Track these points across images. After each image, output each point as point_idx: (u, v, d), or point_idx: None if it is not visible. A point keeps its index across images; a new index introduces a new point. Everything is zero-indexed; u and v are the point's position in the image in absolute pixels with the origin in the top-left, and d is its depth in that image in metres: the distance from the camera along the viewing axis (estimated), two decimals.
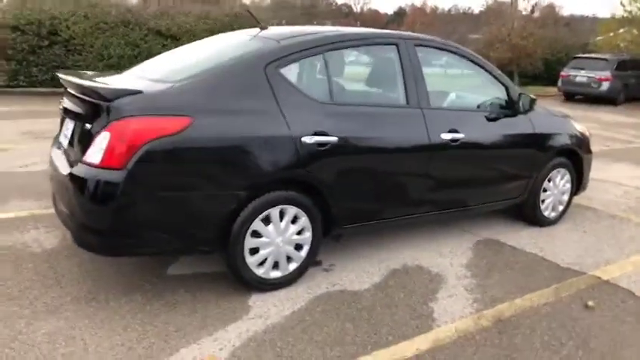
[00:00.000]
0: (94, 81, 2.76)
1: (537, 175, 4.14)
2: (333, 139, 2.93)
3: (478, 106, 3.86)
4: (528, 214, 4.33)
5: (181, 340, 2.46)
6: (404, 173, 3.35)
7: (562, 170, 4.32)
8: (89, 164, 2.47)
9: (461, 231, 4.16)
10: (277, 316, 2.74)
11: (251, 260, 2.84)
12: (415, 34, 3.66)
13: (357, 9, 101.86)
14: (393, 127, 3.25)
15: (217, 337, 2.51)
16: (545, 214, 4.35)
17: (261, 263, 2.90)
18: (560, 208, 4.46)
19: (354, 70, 3.63)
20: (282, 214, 2.90)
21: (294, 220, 2.96)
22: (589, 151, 4.60)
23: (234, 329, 2.59)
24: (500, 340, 2.63)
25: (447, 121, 3.49)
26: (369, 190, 3.23)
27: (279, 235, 2.90)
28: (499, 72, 3.97)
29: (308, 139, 2.84)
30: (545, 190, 4.27)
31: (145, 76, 2.91)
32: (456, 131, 3.49)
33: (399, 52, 3.37)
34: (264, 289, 2.95)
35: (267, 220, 2.85)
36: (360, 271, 3.33)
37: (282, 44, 2.98)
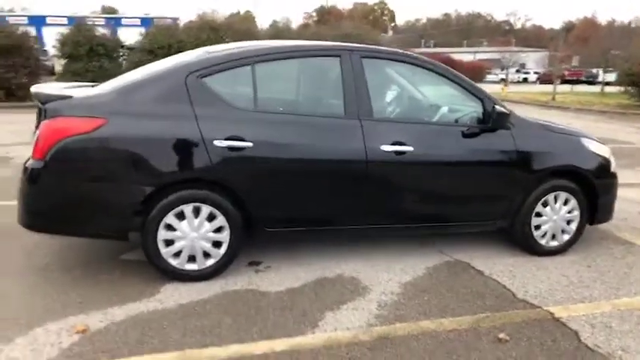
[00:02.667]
0: (47, 89, 3.33)
1: (524, 198, 3.75)
2: (249, 144, 3.11)
3: (442, 119, 3.68)
4: (520, 242, 3.93)
5: (75, 310, 2.86)
6: (334, 182, 3.36)
7: (563, 194, 3.84)
8: (32, 157, 3.01)
9: (434, 251, 3.95)
10: (173, 303, 2.99)
11: (165, 251, 3.14)
12: (364, 46, 3.64)
13: (517, 25, 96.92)
14: (322, 137, 3.30)
15: (108, 312, 2.85)
16: (542, 242, 3.90)
17: (177, 255, 3.17)
18: (565, 237, 3.95)
19: (294, 81, 3.72)
20: (198, 212, 3.15)
21: (211, 218, 3.18)
22: (609, 176, 4.00)
23: (127, 308, 2.91)
24: (362, 356, 2.54)
25: (393, 133, 3.41)
26: (294, 196, 3.31)
27: (193, 231, 3.15)
28: (473, 84, 3.72)
29: (219, 143, 3.07)
30: (539, 215, 3.84)
31: (101, 86, 3.40)
32: (401, 143, 3.39)
33: (341, 63, 3.41)
34: (181, 279, 3.22)
35: (182, 216, 3.13)
36: (289, 276, 3.42)
37: (209, 56, 3.27)
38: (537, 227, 3.86)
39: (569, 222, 3.93)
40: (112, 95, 3.09)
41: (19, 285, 3.17)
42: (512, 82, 48.55)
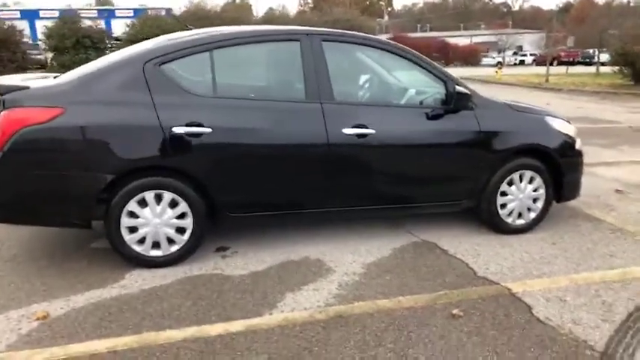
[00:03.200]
0: (7, 80, 3.35)
1: (489, 177, 3.79)
2: (207, 130, 3.14)
3: (405, 102, 3.70)
4: (487, 221, 3.98)
5: (39, 298, 2.91)
6: (296, 166, 3.39)
7: (528, 173, 3.88)
8: None
9: (403, 232, 4.00)
10: (136, 288, 3.04)
11: (128, 238, 3.18)
12: (324, 30, 3.65)
13: (515, 7, 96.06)
14: (282, 121, 3.33)
15: (70, 299, 2.91)
16: (508, 220, 3.94)
17: (141, 242, 3.22)
18: (532, 215, 3.99)
19: (254, 67, 3.73)
20: (160, 198, 3.19)
21: (174, 205, 3.22)
22: (574, 154, 4.03)
23: (90, 294, 2.96)
24: (316, 334, 2.59)
25: (354, 116, 3.44)
26: (256, 180, 3.35)
27: (155, 217, 3.19)
28: (436, 66, 3.74)
29: (178, 129, 3.10)
30: (504, 194, 3.88)
31: (62, 76, 3.42)
32: (363, 126, 3.42)
33: (301, 47, 3.43)
34: (145, 266, 3.27)
35: (144, 203, 3.17)
36: (254, 260, 3.46)
37: (168, 43, 3.29)
38: (503, 206, 3.90)
39: (535, 200, 3.97)
40: (70, 85, 3.11)
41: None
42: (509, 65, 48.41)
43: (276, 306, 2.87)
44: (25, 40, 17.50)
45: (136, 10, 35.89)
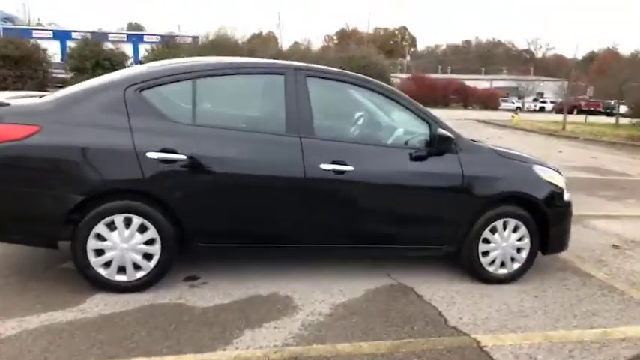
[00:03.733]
0: None
1: (471, 223, 3.69)
2: (181, 157, 3.14)
3: (388, 142, 3.67)
4: (468, 268, 3.86)
5: None
6: (271, 199, 3.35)
7: (512, 221, 3.77)
8: None
9: (382, 274, 3.89)
10: (94, 313, 2.99)
11: (94, 260, 3.15)
12: (310, 65, 3.67)
13: (538, 54, 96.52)
14: (259, 153, 3.32)
15: (25, 320, 2.86)
16: (490, 269, 3.81)
17: (107, 265, 3.18)
18: (515, 265, 3.86)
19: (236, 98, 3.74)
20: (129, 222, 3.16)
21: (143, 230, 3.19)
22: (561, 205, 3.92)
23: (46, 316, 2.92)
24: None
25: (333, 153, 3.41)
26: (228, 211, 3.31)
27: (123, 242, 3.16)
28: (421, 107, 3.71)
29: (152, 155, 3.10)
30: (487, 242, 3.77)
31: (47, 96, 3.47)
32: (342, 163, 3.38)
33: (285, 81, 3.44)
34: (110, 290, 3.22)
35: (112, 226, 3.14)
36: (222, 292, 3.39)
37: (150, 70, 3.33)
38: (485, 254, 3.79)
39: (519, 250, 3.85)
40: (50, 104, 3.15)
41: None
42: (529, 111, 48.35)
43: (231, 342, 2.78)
44: (52, 59, 18.10)
45: (163, 37, 37.00)
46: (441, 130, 3.54)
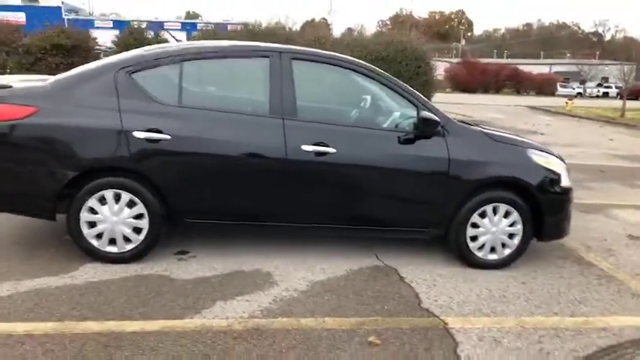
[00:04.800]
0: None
1: (458, 207, 3.65)
2: (166, 137, 3.30)
3: (372, 124, 3.68)
4: (454, 252, 3.82)
5: None
6: (252, 178, 3.45)
7: (503, 206, 3.69)
8: None
9: (370, 254, 3.93)
10: (83, 280, 3.22)
11: (87, 232, 3.38)
12: (296, 48, 3.71)
13: (607, 37, 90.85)
14: (242, 134, 3.42)
15: (20, 283, 3.13)
16: (479, 254, 3.76)
17: (99, 237, 3.41)
18: (507, 251, 3.79)
19: (222, 80, 3.83)
20: (119, 198, 3.37)
21: (132, 205, 3.39)
22: (558, 191, 3.79)
23: (39, 280, 3.18)
24: (223, 343, 2.61)
25: (315, 134, 3.46)
26: (212, 189, 3.44)
27: (113, 215, 3.37)
28: (409, 90, 3.68)
29: (138, 134, 3.27)
30: (476, 226, 3.72)
31: (49, 79, 3.71)
32: (323, 144, 3.44)
33: (270, 64, 3.52)
34: (101, 260, 3.45)
35: (104, 200, 3.36)
36: (207, 266, 3.55)
37: (142, 54, 3.49)
38: (474, 238, 3.73)
39: (511, 236, 3.77)
40: (49, 87, 3.39)
41: None
42: (591, 97, 45.80)
43: (200, 312, 2.93)
44: (103, 47, 18.96)
45: (217, 25, 37.80)
46: (426, 113, 3.51)
